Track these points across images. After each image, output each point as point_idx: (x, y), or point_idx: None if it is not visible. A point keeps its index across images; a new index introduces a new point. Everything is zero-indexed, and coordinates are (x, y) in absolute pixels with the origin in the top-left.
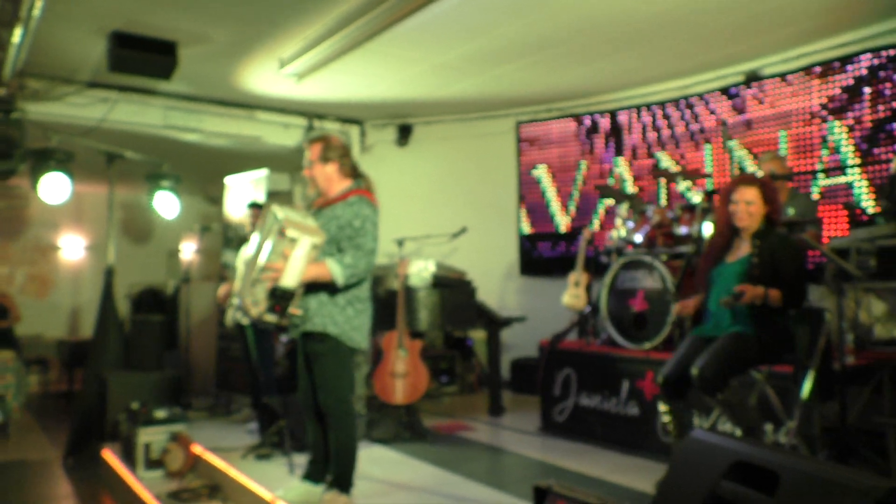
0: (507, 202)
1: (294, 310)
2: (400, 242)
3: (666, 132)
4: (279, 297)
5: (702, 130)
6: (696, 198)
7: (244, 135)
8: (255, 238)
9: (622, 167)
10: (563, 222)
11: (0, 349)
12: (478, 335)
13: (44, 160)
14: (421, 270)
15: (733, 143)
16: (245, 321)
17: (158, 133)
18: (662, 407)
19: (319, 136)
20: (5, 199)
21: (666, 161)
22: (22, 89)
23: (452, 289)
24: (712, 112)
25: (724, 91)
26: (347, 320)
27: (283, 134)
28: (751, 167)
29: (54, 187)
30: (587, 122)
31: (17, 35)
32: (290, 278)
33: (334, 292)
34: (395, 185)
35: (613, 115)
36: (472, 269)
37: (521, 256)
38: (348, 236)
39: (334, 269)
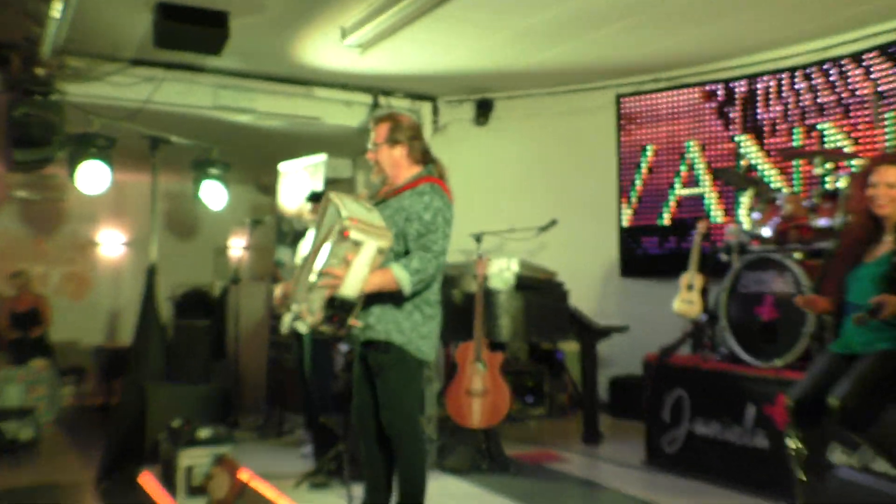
0: (606, 190)
1: (354, 321)
2: (478, 238)
3: (803, 103)
4: (338, 308)
5: (845, 100)
6: (839, 183)
7: (301, 115)
8: (312, 234)
9: (745, 146)
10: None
11: (32, 358)
12: (570, 347)
13: (84, 147)
14: (503, 270)
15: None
16: (303, 329)
17: (207, 115)
18: (791, 439)
19: (387, 115)
20: (41, 190)
21: (801, 138)
22: (62, 69)
23: (540, 292)
24: (862, 77)
25: (881, 51)
26: (414, 327)
27: (345, 113)
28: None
29: (92, 176)
30: (703, 92)
31: (56, 9)
32: (351, 287)
33: (400, 297)
34: (472, 171)
35: (735, 83)
36: (563, 268)
37: (621, 253)
38: (417, 232)
39: (401, 277)
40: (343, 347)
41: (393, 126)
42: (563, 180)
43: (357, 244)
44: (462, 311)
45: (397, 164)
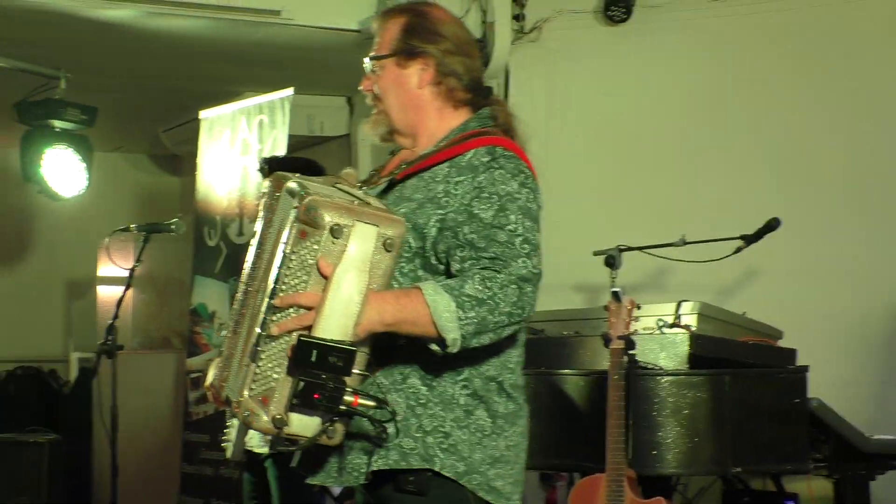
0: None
1: (357, 398)
2: (611, 259)
3: None
4: (315, 366)
5: None
6: None
7: (244, 5)
8: (254, 248)
9: None
10: None
11: None
12: (812, 487)
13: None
14: (666, 328)
15: None
16: (262, 448)
17: (45, 4)
18: None
19: (403, 7)
20: None
21: None
22: None
23: (747, 374)
24: None
25: None
26: (479, 441)
27: (336, 3)
28: None
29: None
30: None
31: None
32: (335, 320)
33: (441, 367)
34: (597, 118)
35: None
36: (796, 324)
37: None
38: (467, 244)
39: (441, 305)
40: (336, 490)
41: (410, 26)
42: (795, 137)
43: (336, 235)
44: (578, 412)
45: (417, 104)
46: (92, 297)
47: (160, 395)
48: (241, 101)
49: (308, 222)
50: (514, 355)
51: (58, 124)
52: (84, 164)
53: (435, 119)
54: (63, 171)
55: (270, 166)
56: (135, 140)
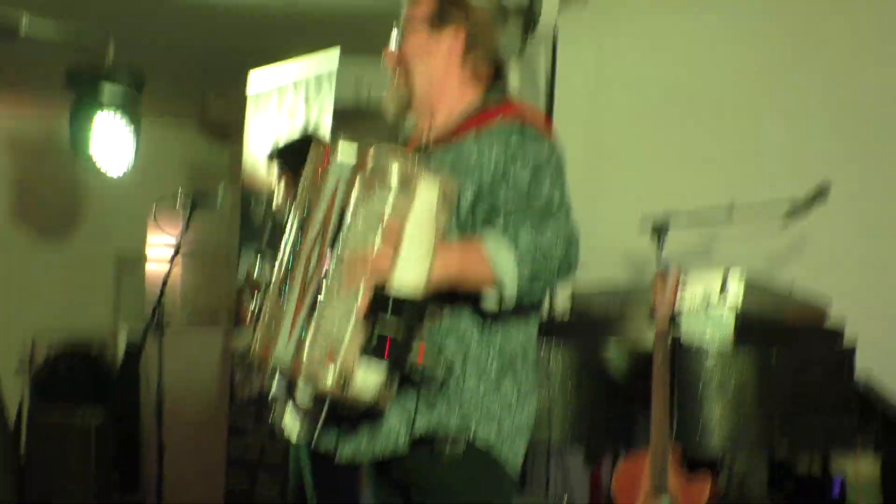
0: None
1: (421, 354)
2: (659, 230)
3: None
4: (392, 315)
5: None
6: None
7: None
8: (293, 227)
9: None
10: None
11: None
12: (860, 468)
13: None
14: (712, 301)
15: None
16: (293, 425)
17: None
18: None
19: None
20: None
21: None
22: None
23: (793, 349)
24: None
25: None
26: (508, 410)
27: None
28: None
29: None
30: None
31: None
32: (412, 270)
33: (478, 336)
34: (642, 80)
35: None
36: (845, 295)
37: None
38: (503, 207)
39: (502, 259)
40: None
41: None
42: (852, 97)
43: (406, 188)
44: (623, 389)
45: (443, 73)
46: (141, 272)
47: (207, 372)
48: (287, 63)
49: (375, 169)
50: (534, 332)
51: (105, 91)
52: (132, 128)
53: (456, 91)
54: (112, 140)
55: (280, 154)
56: (181, 107)
